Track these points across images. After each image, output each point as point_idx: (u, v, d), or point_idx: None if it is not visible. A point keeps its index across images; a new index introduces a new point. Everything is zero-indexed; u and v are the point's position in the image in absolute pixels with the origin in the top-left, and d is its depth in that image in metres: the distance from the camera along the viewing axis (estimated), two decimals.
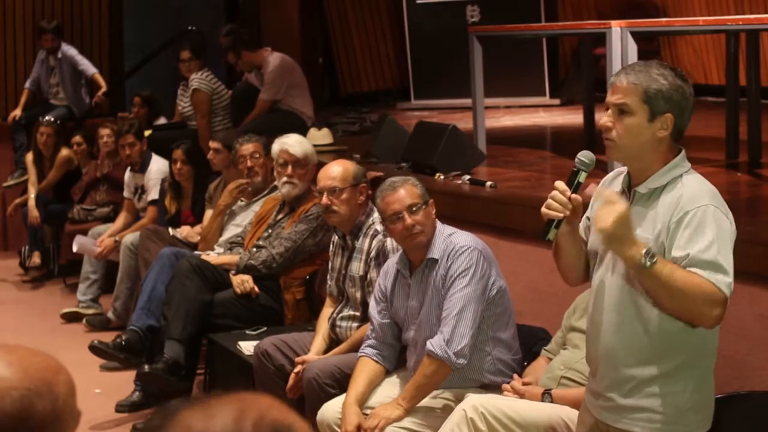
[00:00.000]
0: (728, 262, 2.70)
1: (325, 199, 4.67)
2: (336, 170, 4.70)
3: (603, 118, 2.84)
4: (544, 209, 2.86)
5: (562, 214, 2.84)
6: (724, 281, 2.68)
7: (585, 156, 2.86)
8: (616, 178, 2.98)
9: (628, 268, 2.75)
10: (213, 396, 1.36)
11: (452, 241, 3.99)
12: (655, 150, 2.81)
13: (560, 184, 2.84)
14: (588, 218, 3.00)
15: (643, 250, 2.67)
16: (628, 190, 2.88)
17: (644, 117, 2.78)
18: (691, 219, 2.70)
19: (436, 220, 4.08)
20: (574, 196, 2.82)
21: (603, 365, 2.94)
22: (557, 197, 2.84)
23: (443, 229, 4.06)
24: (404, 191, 4.03)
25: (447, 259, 3.95)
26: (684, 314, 2.75)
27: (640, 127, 2.79)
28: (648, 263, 2.65)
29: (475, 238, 4.05)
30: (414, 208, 3.99)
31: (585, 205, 2.96)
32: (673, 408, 2.84)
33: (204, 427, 1.31)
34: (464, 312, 3.87)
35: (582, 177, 2.84)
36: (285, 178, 5.46)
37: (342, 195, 4.65)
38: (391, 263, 4.23)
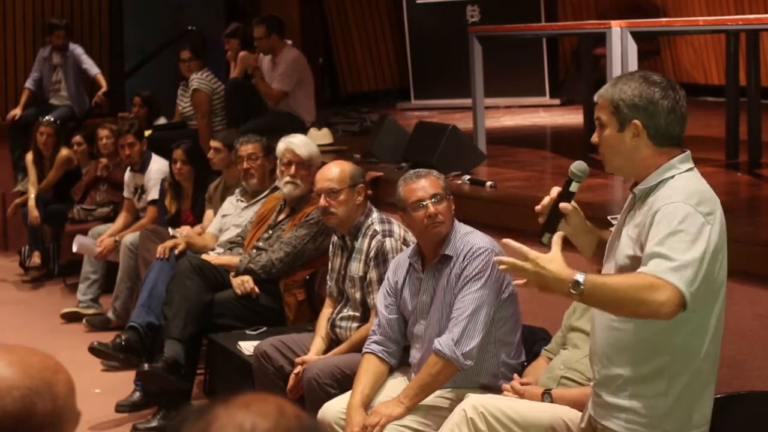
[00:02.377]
0: (682, 255, 2.67)
1: (323, 201, 4.67)
2: (333, 171, 4.70)
3: (594, 135, 2.95)
4: (540, 217, 2.97)
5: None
6: (667, 266, 2.65)
7: (577, 168, 2.93)
8: None
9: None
10: (236, 396, 1.39)
11: (469, 241, 3.99)
12: (635, 157, 2.86)
13: (554, 191, 2.93)
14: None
15: (570, 283, 2.68)
16: (632, 191, 2.94)
17: (614, 128, 2.86)
18: (659, 216, 2.73)
19: (454, 218, 4.09)
20: (562, 204, 2.90)
21: (596, 363, 2.98)
22: (546, 203, 2.94)
23: (460, 227, 4.07)
24: (428, 181, 4.06)
25: (463, 259, 3.95)
26: (636, 314, 2.74)
27: (613, 138, 2.87)
28: (576, 291, 2.68)
29: (492, 240, 4.05)
30: (437, 198, 4.01)
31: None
32: (654, 410, 2.85)
33: (253, 422, 1.35)
34: (476, 314, 3.88)
35: (574, 187, 2.93)
36: (288, 178, 5.45)
37: (339, 196, 4.65)
38: (403, 256, 4.23)
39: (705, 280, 2.74)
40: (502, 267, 2.81)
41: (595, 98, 2.93)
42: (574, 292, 2.68)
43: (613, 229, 3.03)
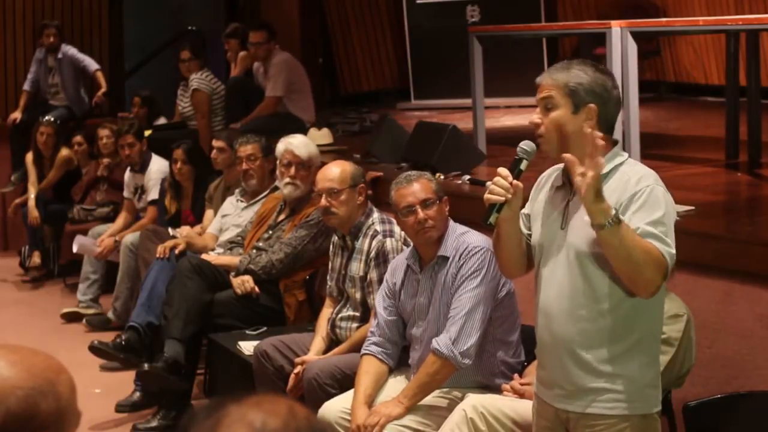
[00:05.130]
0: (672, 239, 2.84)
1: (323, 201, 4.66)
2: (334, 171, 4.70)
3: (533, 115, 2.99)
4: (486, 195, 2.98)
5: (503, 198, 2.95)
6: (668, 251, 2.81)
7: (527, 145, 3.01)
8: (553, 173, 3.08)
9: (595, 221, 2.80)
10: (247, 396, 1.40)
11: (465, 241, 3.99)
12: (584, 142, 2.89)
13: (503, 170, 2.97)
14: (527, 215, 3.12)
15: (612, 211, 2.78)
16: (569, 182, 2.95)
17: (568, 109, 2.92)
18: (641, 197, 2.85)
19: (449, 218, 4.09)
20: (515, 182, 2.94)
21: (557, 354, 3.00)
22: (500, 182, 2.95)
23: (455, 228, 4.06)
24: (419, 185, 4.04)
25: (459, 259, 3.95)
26: (633, 276, 2.82)
27: (564, 119, 2.93)
28: (616, 220, 2.76)
29: (488, 239, 4.04)
30: (427, 203, 4.00)
31: (525, 198, 3.07)
32: (632, 385, 2.93)
33: (263, 420, 1.36)
34: (473, 312, 3.87)
35: (523, 165, 2.99)
36: (288, 179, 5.45)
37: (340, 196, 4.65)
38: (401, 258, 4.23)
39: None
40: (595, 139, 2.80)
41: (543, 80, 2.97)
42: (609, 221, 2.73)
43: (521, 218, 3.07)
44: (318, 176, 4.78)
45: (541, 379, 3.09)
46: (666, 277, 2.82)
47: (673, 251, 2.82)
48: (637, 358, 2.93)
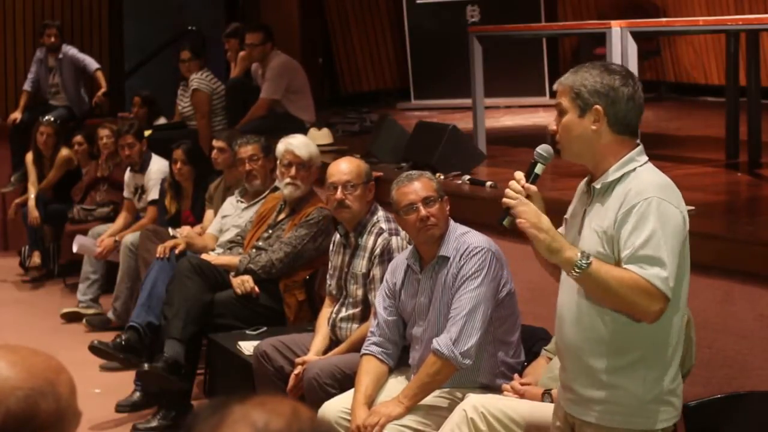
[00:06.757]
0: (668, 255, 2.76)
1: (339, 194, 4.64)
2: (350, 166, 4.70)
3: (551, 121, 2.99)
4: (504, 198, 2.96)
5: (516, 201, 2.93)
6: (659, 276, 2.74)
7: (543, 149, 2.99)
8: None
9: (566, 271, 2.83)
10: (252, 396, 1.41)
11: (465, 241, 3.99)
12: (596, 144, 2.89)
13: (518, 174, 2.95)
14: (565, 219, 3.10)
15: (578, 253, 2.77)
16: (588, 186, 2.96)
17: (575, 113, 2.90)
18: (636, 212, 2.79)
19: (450, 218, 4.09)
20: (527, 185, 2.92)
21: (567, 358, 3.01)
22: (514, 186, 2.94)
23: (456, 228, 4.06)
24: (420, 183, 4.05)
25: (459, 259, 3.95)
26: (622, 308, 2.83)
27: (572, 123, 2.91)
28: (583, 264, 2.76)
29: (489, 239, 4.05)
30: (429, 200, 4.01)
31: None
32: (633, 399, 2.89)
33: (267, 420, 1.36)
34: (474, 313, 3.87)
35: (539, 169, 2.97)
36: (288, 180, 5.45)
37: (356, 191, 4.65)
38: (401, 258, 4.23)
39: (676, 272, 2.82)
40: (522, 221, 2.84)
41: (555, 86, 2.97)
42: (576, 268, 2.75)
43: (564, 223, 3.07)
44: (332, 170, 4.75)
45: (561, 381, 3.11)
46: (666, 300, 2.75)
47: (665, 273, 2.73)
48: (641, 373, 2.88)
